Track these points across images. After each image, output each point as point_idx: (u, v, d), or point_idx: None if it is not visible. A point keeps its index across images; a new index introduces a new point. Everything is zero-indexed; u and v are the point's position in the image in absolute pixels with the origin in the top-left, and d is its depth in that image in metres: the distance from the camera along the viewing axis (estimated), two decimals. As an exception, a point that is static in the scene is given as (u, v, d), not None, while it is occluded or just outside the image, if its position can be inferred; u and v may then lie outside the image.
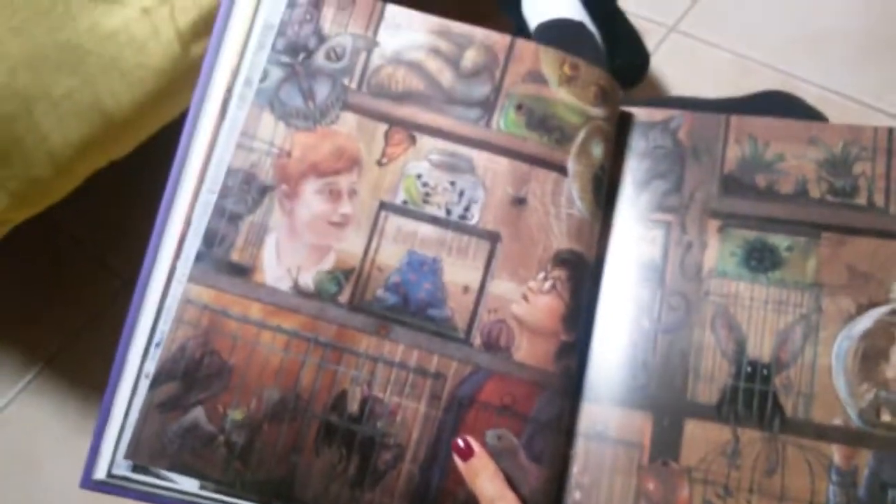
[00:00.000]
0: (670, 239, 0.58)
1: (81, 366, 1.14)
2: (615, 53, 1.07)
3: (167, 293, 0.53)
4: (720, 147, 0.60)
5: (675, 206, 0.58)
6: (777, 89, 0.81)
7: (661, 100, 1.03)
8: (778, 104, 0.78)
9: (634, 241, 0.58)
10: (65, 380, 1.14)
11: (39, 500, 1.07)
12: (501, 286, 0.54)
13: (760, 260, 0.56)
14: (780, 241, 0.56)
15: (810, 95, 0.76)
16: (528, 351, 0.53)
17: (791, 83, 1.24)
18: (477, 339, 0.53)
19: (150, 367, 0.51)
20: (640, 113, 0.63)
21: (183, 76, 0.81)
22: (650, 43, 1.25)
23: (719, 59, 1.30)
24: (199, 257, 0.53)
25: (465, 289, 0.54)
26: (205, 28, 0.81)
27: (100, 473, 0.50)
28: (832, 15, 1.29)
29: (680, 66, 1.30)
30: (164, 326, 0.52)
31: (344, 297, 0.53)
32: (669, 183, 0.59)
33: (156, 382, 0.51)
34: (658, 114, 0.62)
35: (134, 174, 0.97)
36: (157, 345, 0.52)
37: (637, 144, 0.61)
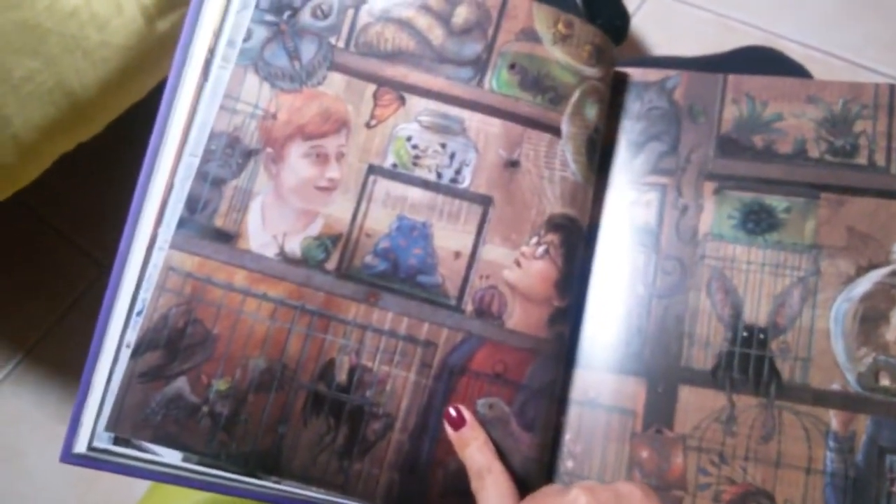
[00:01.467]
0: (666, 202, 0.55)
1: (61, 354, 1.12)
2: (594, 14, 1.03)
3: (148, 261, 0.50)
4: (717, 107, 0.57)
5: (670, 168, 0.56)
6: (759, 45, 0.78)
7: (640, 59, 0.99)
8: (760, 59, 0.74)
9: (629, 204, 0.56)
10: (45, 369, 1.12)
11: (22, 489, 1.05)
12: (493, 251, 0.51)
13: (757, 222, 0.53)
14: (777, 202, 0.53)
15: (793, 53, 0.73)
16: (521, 317, 0.50)
17: (774, 41, 1.20)
18: (468, 306, 0.50)
19: (132, 336, 0.48)
20: (635, 73, 0.60)
21: (149, 53, 0.77)
22: (630, 5, 1.21)
23: (700, 19, 1.26)
24: (181, 223, 0.50)
25: (457, 254, 0.51)
26: (171, 3, 0.76)
27: (80, 447, 0.47)
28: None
29: (660, 27, 1.26)
30: (146, 295, 0.49)
31: (331, 264, 0.51)
32: (665, 145, 0.57)
33: (137, 352, 0.48)
34: (653, 74, 0.60)
35: (108, 156, 0.93)
36: (139, 314, 0.49)
37: (632, 106, 0.58)
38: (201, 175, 0.51)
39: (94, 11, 0.72)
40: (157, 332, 0.49)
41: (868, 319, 0.49)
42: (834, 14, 1.22)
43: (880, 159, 0.53)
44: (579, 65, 0.55)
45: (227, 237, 0.50)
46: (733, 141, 0.56)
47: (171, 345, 0.48)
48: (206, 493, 0.68)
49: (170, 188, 0.51)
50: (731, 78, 0.57)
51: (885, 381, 0.48)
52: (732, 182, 0.55)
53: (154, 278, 0.49)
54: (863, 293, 0.50)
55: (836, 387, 0.48)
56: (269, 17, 0.54)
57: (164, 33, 0.77)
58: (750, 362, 0.50)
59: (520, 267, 0.51)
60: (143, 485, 0.78)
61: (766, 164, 0.55)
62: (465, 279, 0.51)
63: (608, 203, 0.56)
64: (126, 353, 0.48)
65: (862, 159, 0.53)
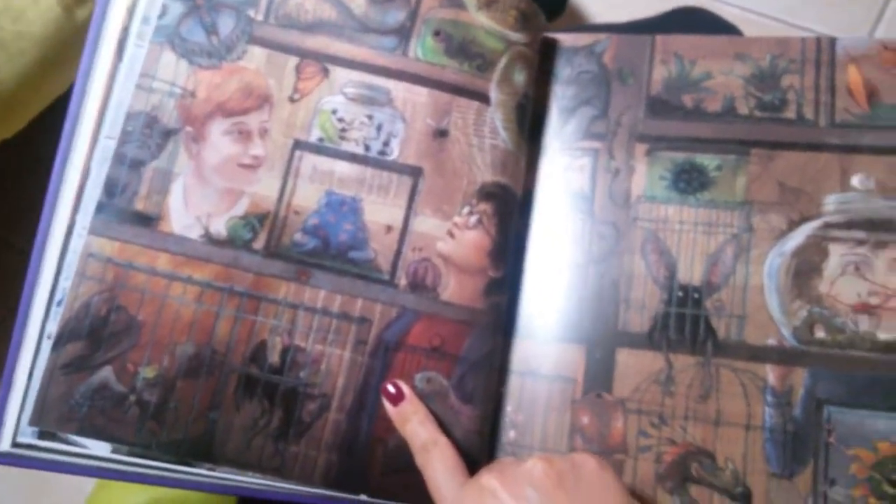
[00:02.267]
0: (598, 166, 0.54)
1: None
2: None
3: (67, 248, 0.47)
4: (646, 68, 0.55)
5: (601, 132, 0.54)
6: (688, 5, 0.77)
7: (574, 27, 0.97)
8: (691, 21, 0.73)
9: (562, 170, 0.54)
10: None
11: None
12: (425, 223, 0.49)
13: (689, 181, 0.52)
14: (708, 160, 0.52)
15: (728, 16, 0.72)
16: (456, 289, 0.49)
17: (710, 5, 1.19)
18: (402, 280, 0.48)
19: (53, 327, 0.46)
20: (565, 38, 0.58)
21: (70, 43, 0.72)
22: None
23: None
24: (99, 208, 0.47)
25: (388, 228, 0.49)
26: None
27: (4, 445, 0.45)
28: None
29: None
30: (66, 283, 0.46)
31: (259, 243, 0.48)
32: (596, 109, 0.55)
33: (59, 343, 0.45)
34: (582, 38, 0.58)
35: (36, 151, 0.89)
36: (59, 303, 0.46)
37: (562, 71, 0.57)
38: (119, 157, 0.48)
39: (9, 2, 0.68)
40: (78, 322, 0.46)
41: (801, 273, 0.48)
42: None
43: (808, 112, 0.52)
44: (505, 30, 0.53)
45: (148, 220, 0.48)
46: (663, 101, 0.54)
47: (94, 334, 0.46)
48: (150, 490, 0.66)
49: (86, 172, 0.48)
50: (659, 38, 0.56)
51: (819, 334, 0.47)
52: (664, 143, 0.53)
53: (74, 265, 0.47)
54: (795, 247, 0.49)
55: (771, 342, 0.47)
56: (185, -8, 0.52)
57: (83, 22, 0.73)
58: (686, 322, 0.49)
59: (453, 238, 0.49)
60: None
61: (697, 123, 0.53)
62: (398, 253, 0.49)
63: (542, 170, 0.54)
64: (48, 345, 0.46)
65: (790, 113, 0.52)
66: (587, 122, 0.55)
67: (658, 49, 0.56)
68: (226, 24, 0.51)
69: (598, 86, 0.55)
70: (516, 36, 0.53)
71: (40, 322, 0.46)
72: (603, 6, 1.23)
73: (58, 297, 0.46)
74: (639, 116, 0.54)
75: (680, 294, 0.50)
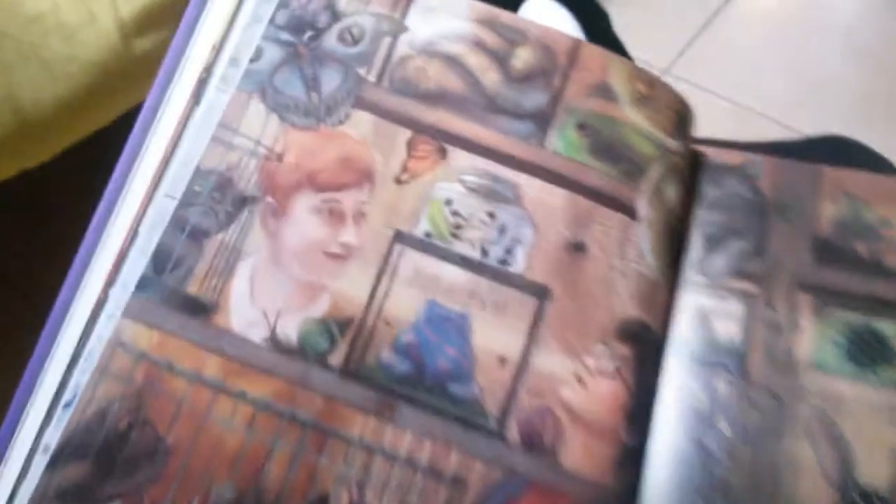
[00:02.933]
0: (754, 315, 0.42)
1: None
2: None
3: (91, 331, 0.35)
4: (812, 204, 0.44)
5: (757, 272, 0.43)
6: (837, 134, 0.67)
7: (715, 141, 0.88)
8: (839, 151, 0.63)
9: (706, 313, 0.43)
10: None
11: None
12: (549, 360, 0.37)
13: (866, 352, 0.41)
14: (889, 328, 0.41)
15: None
16: (580, 454, 0.36)
17: (790, 135, 1.11)
18: (513, 432, 0.36)
19: (53, 436, 0.33)
20: (710, 152, 0.47)
21: (123, 75, 0.62)
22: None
23: (715, 107, 1.18)
24: (142, 285, 0.36)
25: (502, 360, 0.37)
26: (153, 21, 0.63)
27: None
28: (830, 63, 1.18)
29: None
30: (81, 378, 0.34)
31: (337, 358, 0.36)
32: (749, 243, 0.44)
33: (57, 460, 0.33)
34: (731, 156, 0.47)
35: (59, 190, 0.78)
36: (67, 405, 0.34)
37: (707, 191, 0.46)
38: (177, 222, 0.37)
39: (62, 20, 0.58)
40: (88, 434, 0.33)
41: None
42: (853, 111, 1.13)
43: None
44: (660, 134, 0.43)
45: (201, 309, 0.36)
46: (833, 246, 0.43)
47: (105, 453, 0.33)
48: None
49: (132, 236, 0.37)
50: (828, 171, 0.45)
51: None
52: (835, 297, 0.42)
53: (95, 356, 0.35)
54: None
55: None
56: (286, 36, 0.41)
57: (142, 54, 0.63)
58: (873, 541, 0.37)
59: (582, 385, 0.37)
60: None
61: (875, 279, 0.42)
62: (511, 394, 0.37)
63: (680, 309, 0.43)
64: (41, 461, 0.33)
65: None
66: (738, 258, 0.44)
67: (826, 182, 0.45)
68: (330, 79, 0.41)
69: (753, 216, 0.45)
70: (672, 142, 0.43)
71: (37, 428, 0.34)
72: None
73: (67, 395, 0.34)
74: (803, 260, 0.43)
75: (859, 502, 0.37)
